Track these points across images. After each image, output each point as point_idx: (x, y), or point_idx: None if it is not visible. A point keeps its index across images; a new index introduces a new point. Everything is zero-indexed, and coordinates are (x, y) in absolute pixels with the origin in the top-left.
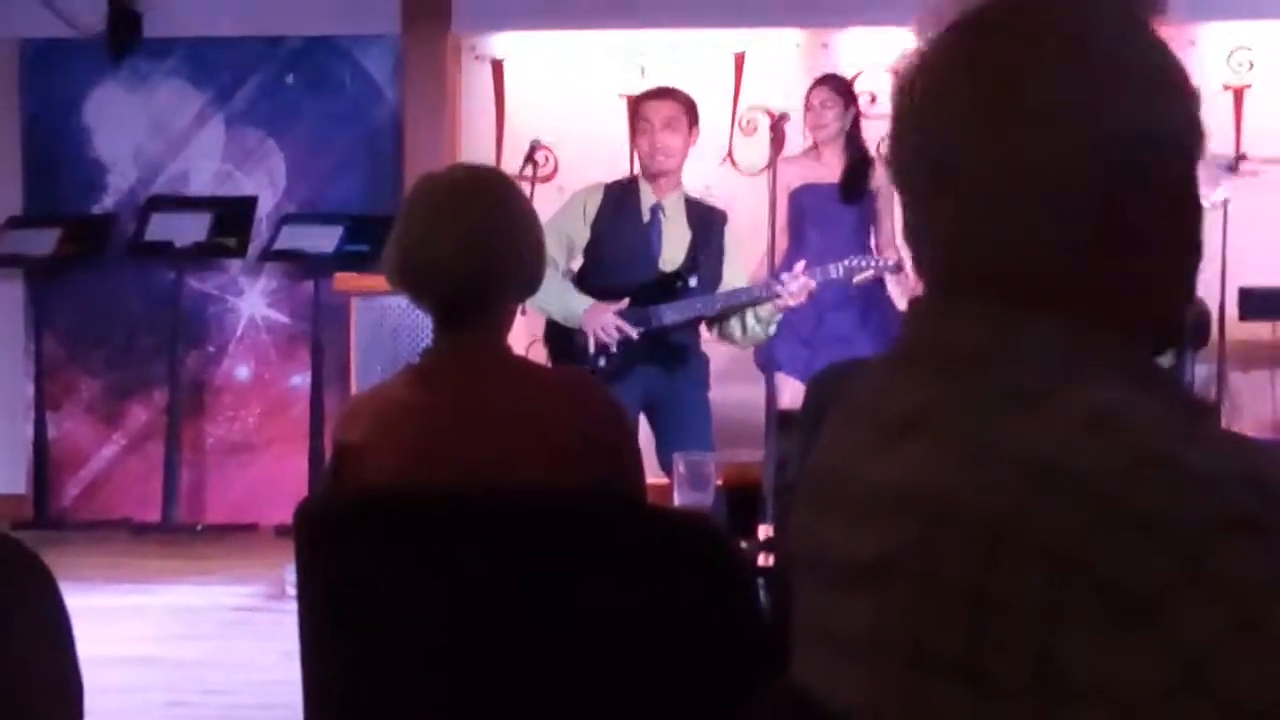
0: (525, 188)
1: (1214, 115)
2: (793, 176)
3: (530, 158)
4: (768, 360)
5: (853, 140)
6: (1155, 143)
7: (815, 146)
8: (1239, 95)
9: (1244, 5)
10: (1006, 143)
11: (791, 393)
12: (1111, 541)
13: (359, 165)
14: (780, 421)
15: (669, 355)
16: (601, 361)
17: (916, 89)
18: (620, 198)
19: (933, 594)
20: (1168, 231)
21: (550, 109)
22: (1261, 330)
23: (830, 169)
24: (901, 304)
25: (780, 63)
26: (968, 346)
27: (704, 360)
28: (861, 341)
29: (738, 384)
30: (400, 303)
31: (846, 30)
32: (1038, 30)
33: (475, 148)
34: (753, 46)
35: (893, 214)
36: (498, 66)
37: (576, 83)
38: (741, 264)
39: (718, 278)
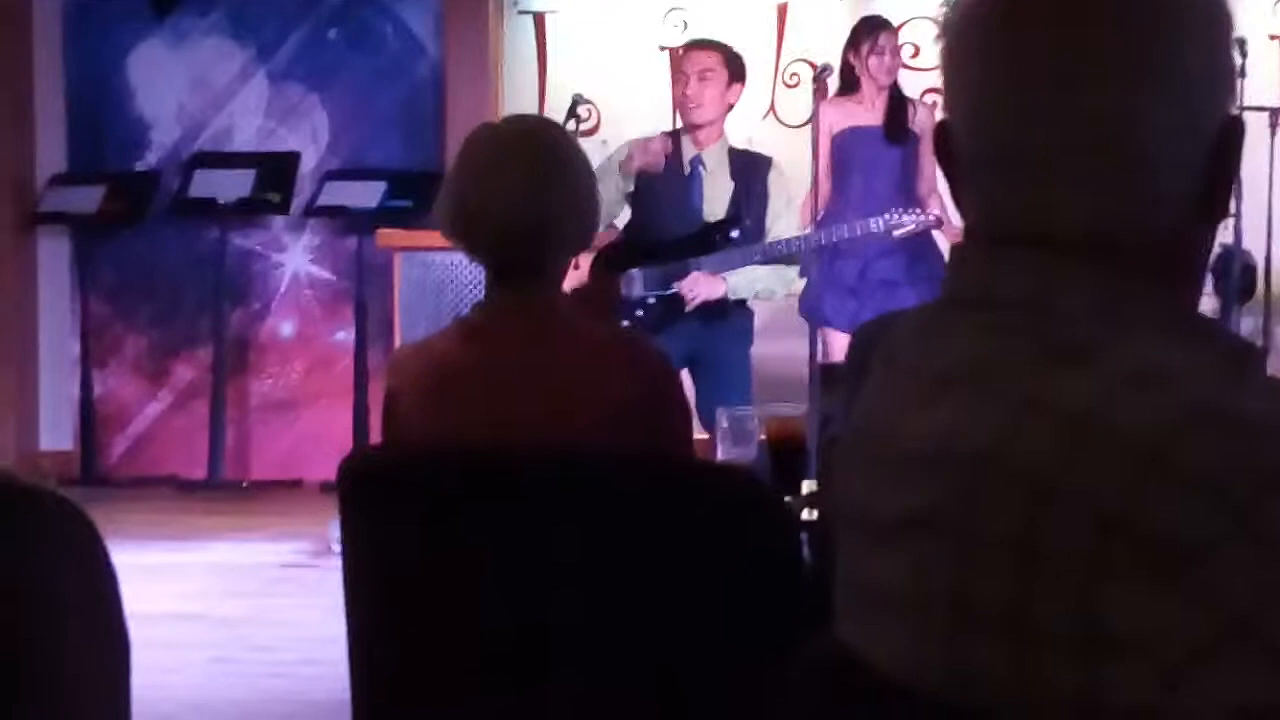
0: (640, 138)
1: (1260, 65)
2: (836, 119)
3: (573, 112)
4: (813, 312)
5: (894, 85)
6: (1225, 98)
7: (858, 90)
8: None
9: None
10: (1085, 102)
11: (840, 346)
12: (1157, 496)
13: (401, 121)
14: (824, 375)
15: (711, 310)
16: (640, 313)
17: (974, 51)
18: (661, 149)
19: (977, 547)
20: (1225, 191)
21: (592, 63)
22: None
23: (873, 112)
24: (947, 249)
25: (823, 15)
26: (1013, 296)
27: (748, 314)
28: (907, 289)
29: (783, 338)
30: (444, 258)
31: None
32: None
33: (518, 103)
34: (795, 1)
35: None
36: (540, 20)
37: (618, 37)
38: (789, 210)
39: (762, 227)
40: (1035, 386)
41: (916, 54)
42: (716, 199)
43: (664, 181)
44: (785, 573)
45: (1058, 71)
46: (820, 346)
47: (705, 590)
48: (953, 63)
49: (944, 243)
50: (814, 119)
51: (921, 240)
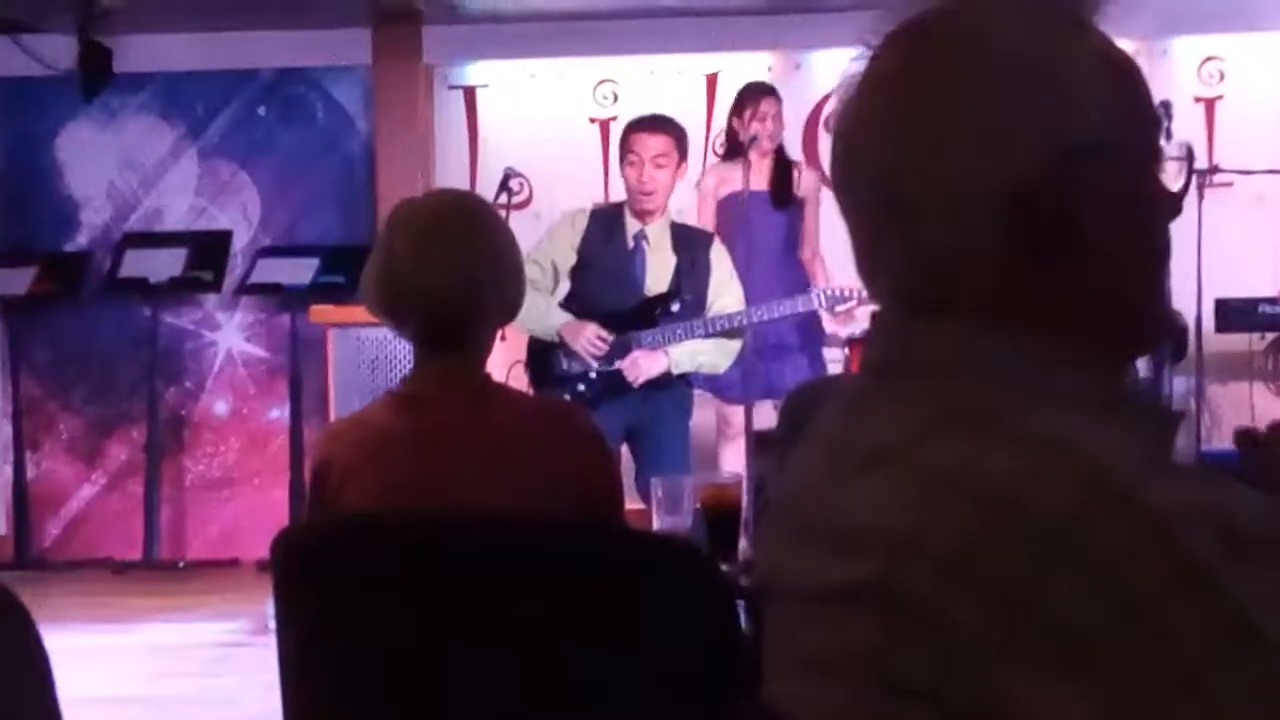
0: (586, 211)
1: (1186, 127)
2: (720, 185)
3: (505, 185)
4: (703, 383)
5: (779, 149)
6: (1106, 146)
7: (743, 156)
8: (1210, 107)
9: (1214, 18)
10: (952, 160)
11: (735, 416)
12: (1059, 583)
13: (333, 197)
14: (757, 441)
15: (651, 383)
16: (581, 387)
17: (859, 111)
18: (606, 223)
19: (898, 624)
20: (1127, 235)
21: (524, 136)
22: (1238, 342)
23: (758, 177)
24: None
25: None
26: (932, 368)
27: (687, 387)
28: (796, 355)
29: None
30: (377, 334)
31: (817, 52)
32: (972, 45)
33: (449, 176)
34: (725, 69)
35: (818, 220)
36: (470, 95)
37: (549, 109)
38: (732, 283)
39: (704, 300)
40: (954, 464)
41: None
42: (659, 273)
43: (607, 255)
44: (722, 639)
45: (935, 132)
46: (721, 414)
47: (642, 657)
48: (851, 127)
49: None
50: (700, 185)
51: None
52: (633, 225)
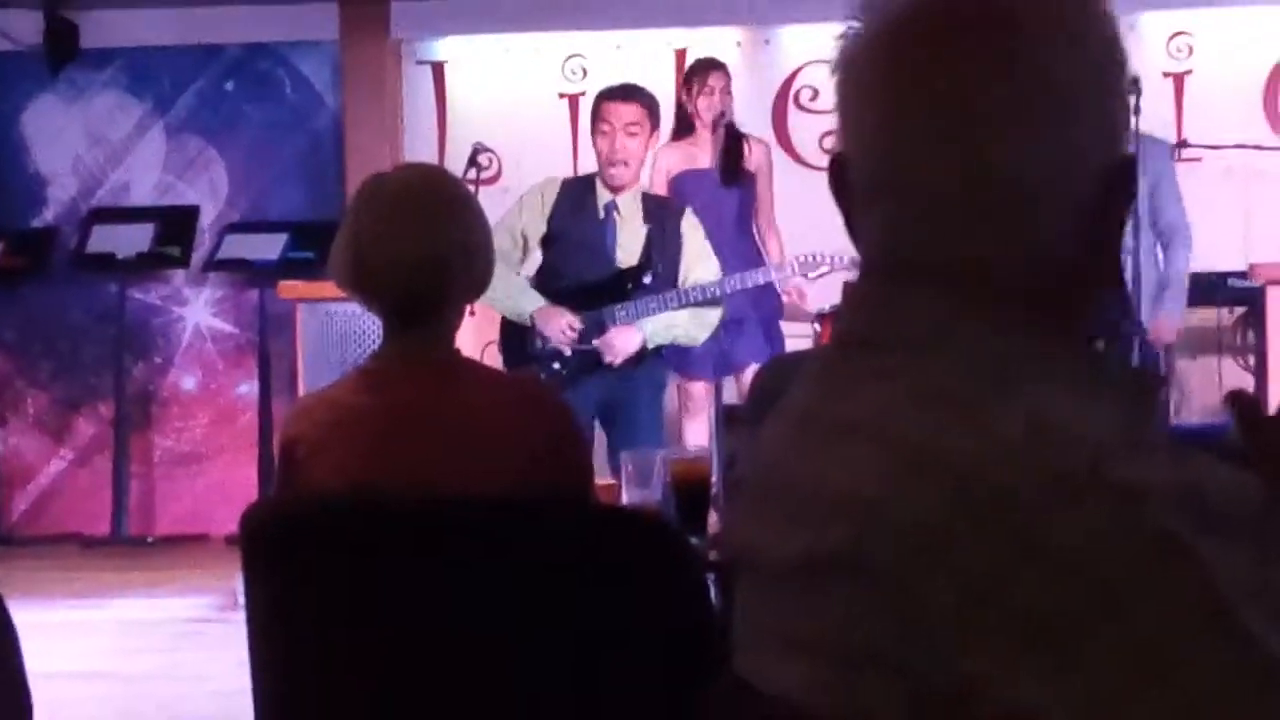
0: (556, 182)
1: (1156, 102)
2: (672, 163)
3: (473, 160)
4: (668, 357)
5: (729, 124)
6: (1114, 137)
7: (690, 132)
8: (1179, 82)
9: None
10: (968, 145)
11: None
12: (1027, 564)
13: (301, 172)
14: (727, 416)
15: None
16: (556, 365)
17: (866, 87)
18: (577, 194)
19: (866, 596)
20: (1118, 229)
21: (492, 111)
22: (1206, 316)
23: (708, 153)
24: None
25: (722, 59)
26: (909, 338)
27: (661, 362)
28: (754, 325)
29: None
30: (346, 309)
31: (786, 27)
32: (995, 29)
33: (417, 152)
34: (693, 44)
35: (771, 193)
36: (438, 70)
37: (518, 84)
38: (705, 254)
39: (676, 273)
40: (927, 439)
41: (815, 97)
42: (630, 245)
43: (577, 226)
44: (692, 614)
45: (950, 106)
46: (683, 388)
47: (613, 633)
48: (846, 95)
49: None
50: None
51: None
52: (604, 196)
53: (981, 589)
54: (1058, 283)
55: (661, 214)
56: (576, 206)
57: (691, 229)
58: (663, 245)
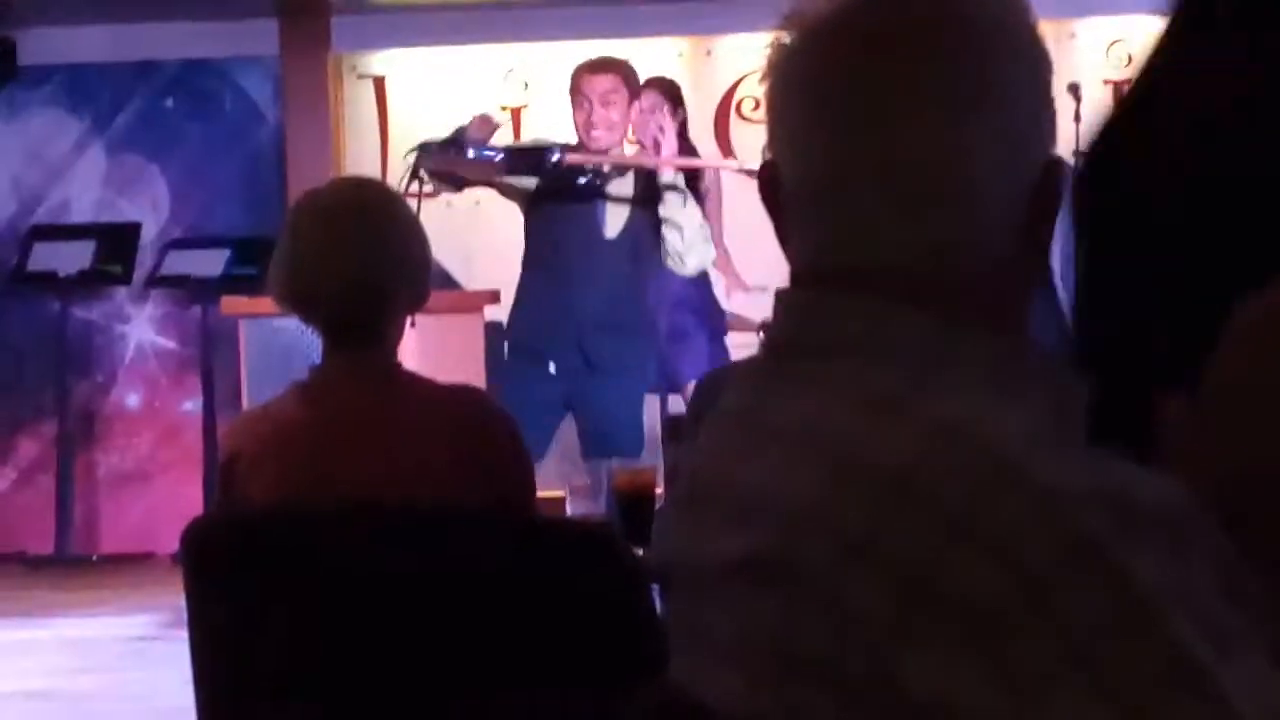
0: (411, 204)
1: (1095, 109)
2: None
3: (415, 173)
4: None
5: (684, 143)
6: (1043, 138)
7: (645, 150)
8: (1119, 89)
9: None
10: (898, 149)
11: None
12: (955, 561)
13: (242, 188)
14: (670, 426)
15: (594, 349)
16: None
17: (796, 93)
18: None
19: (797, 599)
20: (1049, 230)
21: (434, 124)
22: None
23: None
24: (726, 301)
25: (663, 70)
26: (837, 343)
27: (638, 352)
28: (698, 339)
29: None
30: (290, 324)
31: (728, 37)
32: (925, 33)
33: (360, 166)
34: (635, 55)
35: (721, 215)
36: (379, 84)
37: (460, 97)
38: (699, 241)
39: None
40: (853, 442)
41: (758, 107)
42: (616, 218)
43: (564, 193)
44: (637, 624)
45: (880, 107)
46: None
47: (557, 643)
48: (776, 102)
49: (724, 296)
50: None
51: (704, 291)
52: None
53: (913, 587)
54: (988, 284)
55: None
56: (564, 178)
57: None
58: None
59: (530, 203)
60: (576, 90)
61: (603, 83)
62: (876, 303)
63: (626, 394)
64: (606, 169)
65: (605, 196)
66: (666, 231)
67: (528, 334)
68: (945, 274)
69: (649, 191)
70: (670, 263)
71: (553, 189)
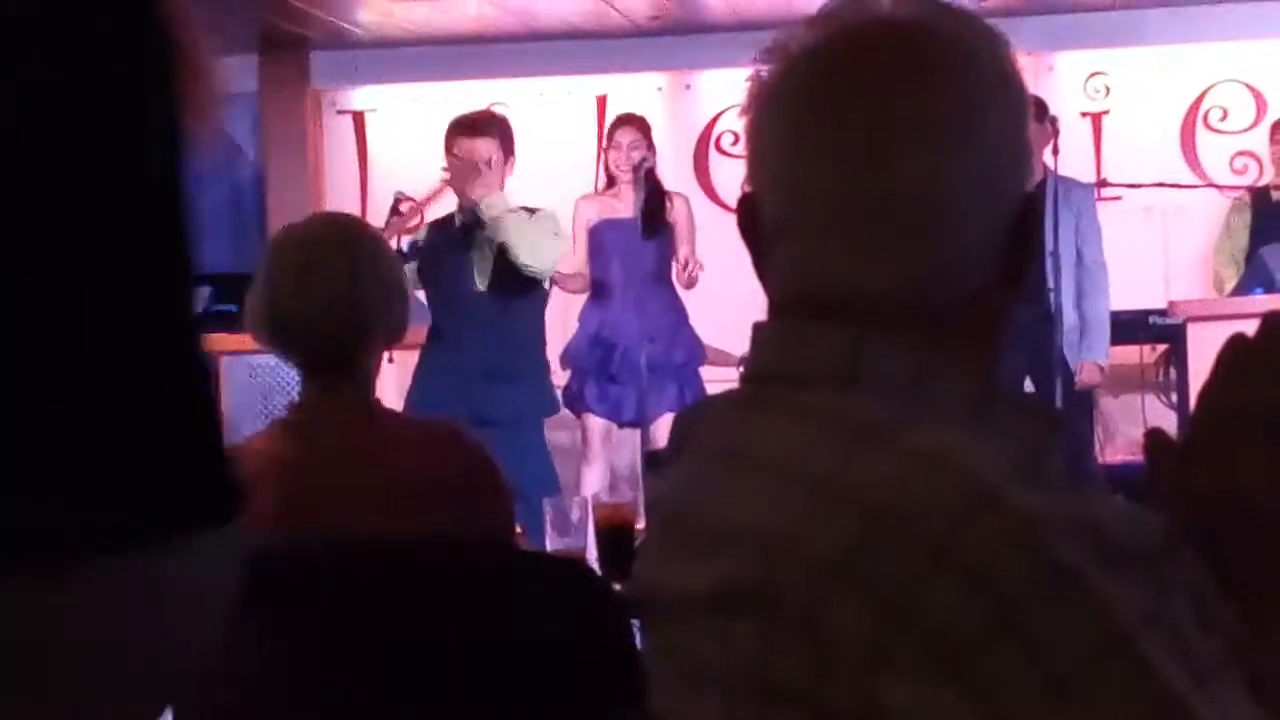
0: (392, 240)
1: (1074, 141)
2: (591, 213)
3: (395, 209)
4: (575, 400)
5: (649, 177)
6: (1019, 170)
7: (613, 184)
8: (1097, 121)
9: (1098, 32)
10: (877, 180)
11: (599, 432)
12: (933, 589)
13: (223, 225)
14: (650, 461)
15: (481, 403)
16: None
17: (776, 125)
18: (444, 232)
19: (775, 628)
20: (1026, 261)
21: (414, 159)
22: (1129, 354)
23: (628, 205)
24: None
25: (643, 105)
26: (816, 372)
27: (528, 397)
28: (670, 373)
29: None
30: (270, 361)
31: (707, 72)
32: (904, 66)
33: (340, 202)
34: (614, 91)
35: (692, 245)
36: (359, 119)
37: (439, 133)
38: (541, 240)
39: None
40: (831, 471)
41: (737, 142)
42: (482, 271)
43: (445, 245)
44: (618, 661)
45: (860, 140)
46: (582, 434)
47: (536, 678)
48: (758, 134)
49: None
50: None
51: (679, 325)
52: (460, 215)
53: (891, 616)
54: (966, 314)
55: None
56: (447, 240)
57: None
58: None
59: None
60: (451, 151)
61: (482, 149)
62: (854, 332)
63: (522, 441)
64: (480, 220)
65: (471, 248)
66: (507, 247)
67: (418, 396)
68: (923, 304)
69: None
70: (527, 271)
71: (429, 248)
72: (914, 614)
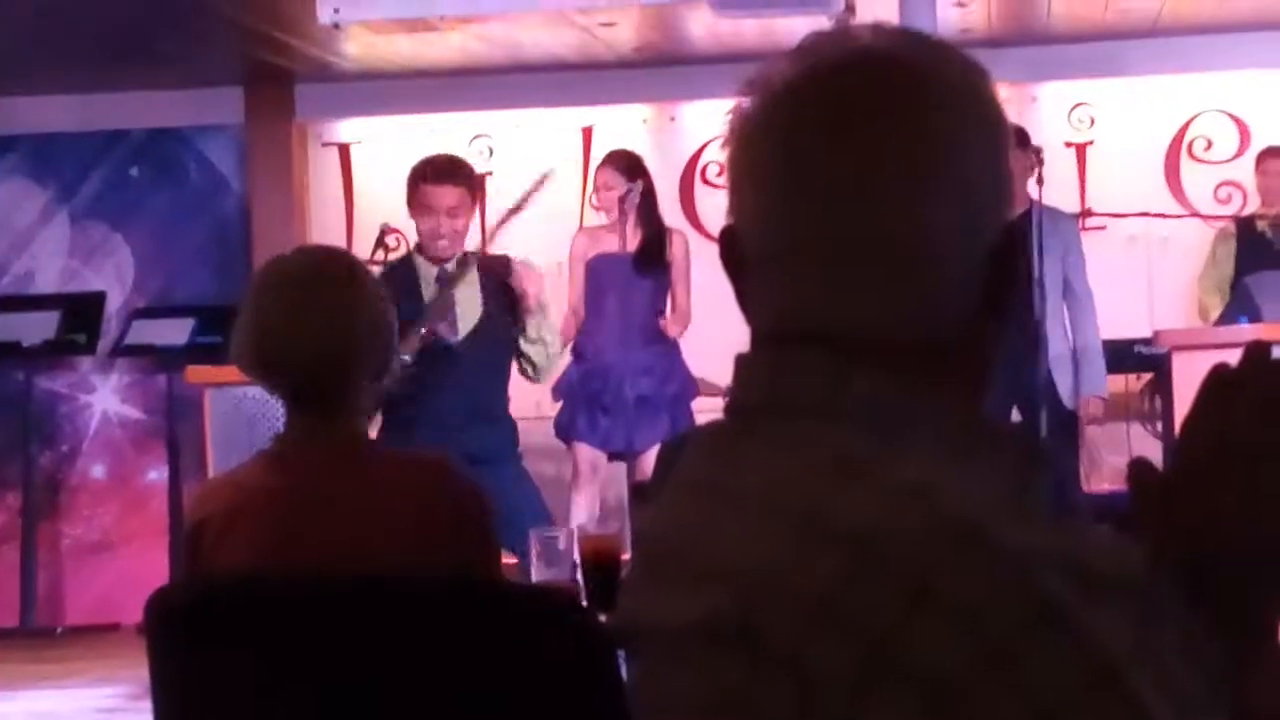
0: (377, 272)
1: (1058, 172)
2: (587, 247)
3: (381, 241)
4: (566, 429)
5: (647, 213)
6: (1002, 200)
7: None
8: (1081, 151)
9: (1082, 64)
10: (861, 211)
11: (589, 461)
12: (918, 626)
13: (208, 256)
14: (635, 493)
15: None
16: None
17: (758, 157)
18: (400, 277)
19: (758, 664)
20: (1010, 292)
21: (399, 191)
22: (1114, 383)
23: (627, 240)
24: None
25: (628, 136)
26: (799, 404)
27: (506, 436)
28: (659, 406)
29: (536, 460)
30: (254, 392)
31: (692, 103)
32: (887, 98)
33: (325, 234)
34: (599, 122)
35: (687, 285)
36: (344, 151)
37: None
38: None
39: (519, 326)
40: (814, 505)
41: (721, 173)
42: (469, 307)
43: (410, 308)
44: (603, 693)
45: (841, 174)
46: (572, 464)
47: (523, 712)
48: (738, 167)
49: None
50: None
51: (672, 359)
52: (428, 270)
53: (875, 652)
54: (949, 346)
55: (490, 269)
56: (404, 288)
57: (528, 278)
58: (499, 299)
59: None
60: (418, 201)
61: (447, 196)
62: (836, 365)
63: (509, 474)
64: (451, 272)
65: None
66: (531, 349)
67: (400, 434)
68: (905, 337)
69: (499, 298)
70: (526, 375)
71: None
72: (898, 651)
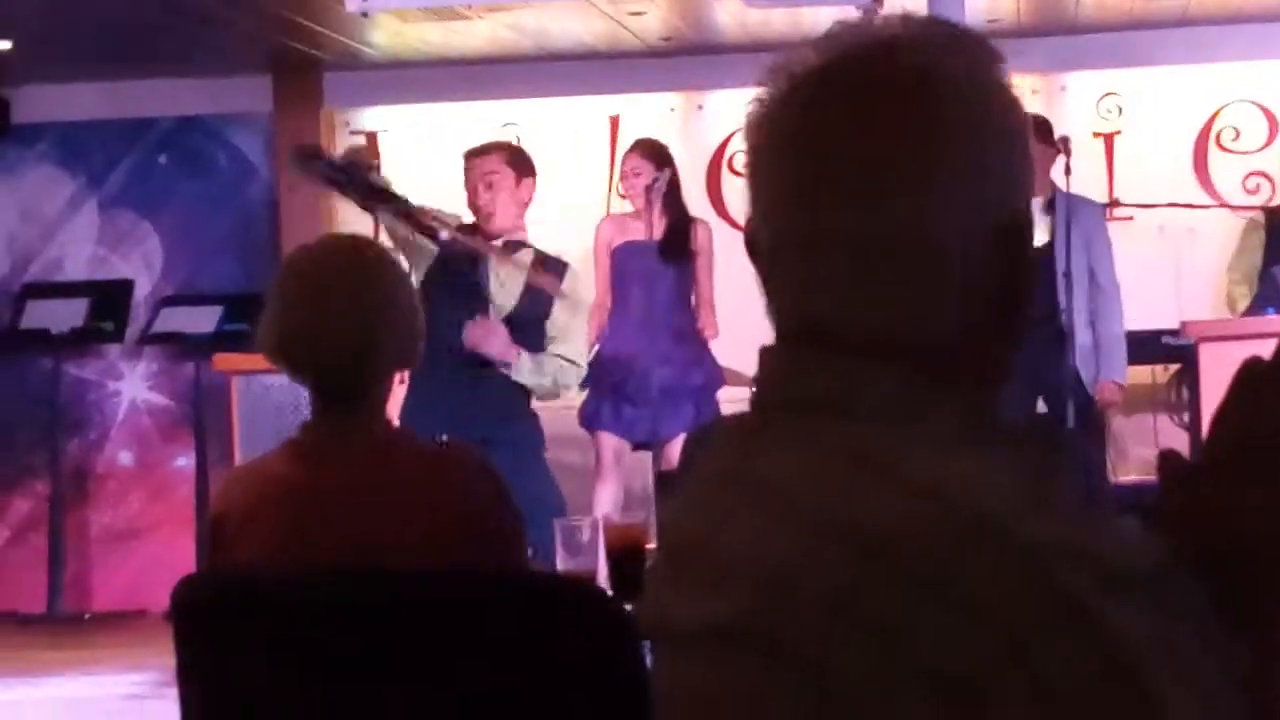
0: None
1: (1086, 161)
2: (613, 235)
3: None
4: (591, 419)
5: (672, 201)
6: (1017, 195)
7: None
8: (1109, 141)
9: (1110, 53)
10: (877, 206)
11: (612, 450)
12: (937, 622)
13: (235, 244)
14: (660, 482)
15: (496, 414)
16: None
17: (776, 151)
18: (449, 255)
19: (777, 662)
20: (1026, 285)
21: (427, 180)
22: (1141, 374)
23: (653, 229)
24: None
25: (656, 125)
26: (818, 400)
27: (532, 425)
28: (684, 397)
29: (560, 449)
30: (282, 380)
31: (719, 92)
32: (902, 92)
33: (352, 223)
34: (627, 111)
35: (711, 275)
36: (372, 140)
37: (452, 153)
38: (575, 316)
39: (542, 331)
40: (833, 502)
41: None
42: (506, 295)
43: (456, 273)
44: (629, 682)
45: (858, 168)
46: (595, 453)
47: (548, 702)
48: (757, 160)
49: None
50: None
51: (697, 349)
52: (484, 246)
53: (894, 648)
54: (967, 340)
55: (541, 283)
56: (447, 265)
57: (573, 286)
58: (536, 297)
59: (426, 272)
60: (465, 173)
61: (483, 164)
62: (852, 360)
63: (528, 464)
64: (494, 258)
65: (487, 286)
66: (547, 359)
67: (415, 416)
68: (920, 333)
69: (536, 306)
70: (536, 388)
71: (442, 268)
72: (917, 648)
